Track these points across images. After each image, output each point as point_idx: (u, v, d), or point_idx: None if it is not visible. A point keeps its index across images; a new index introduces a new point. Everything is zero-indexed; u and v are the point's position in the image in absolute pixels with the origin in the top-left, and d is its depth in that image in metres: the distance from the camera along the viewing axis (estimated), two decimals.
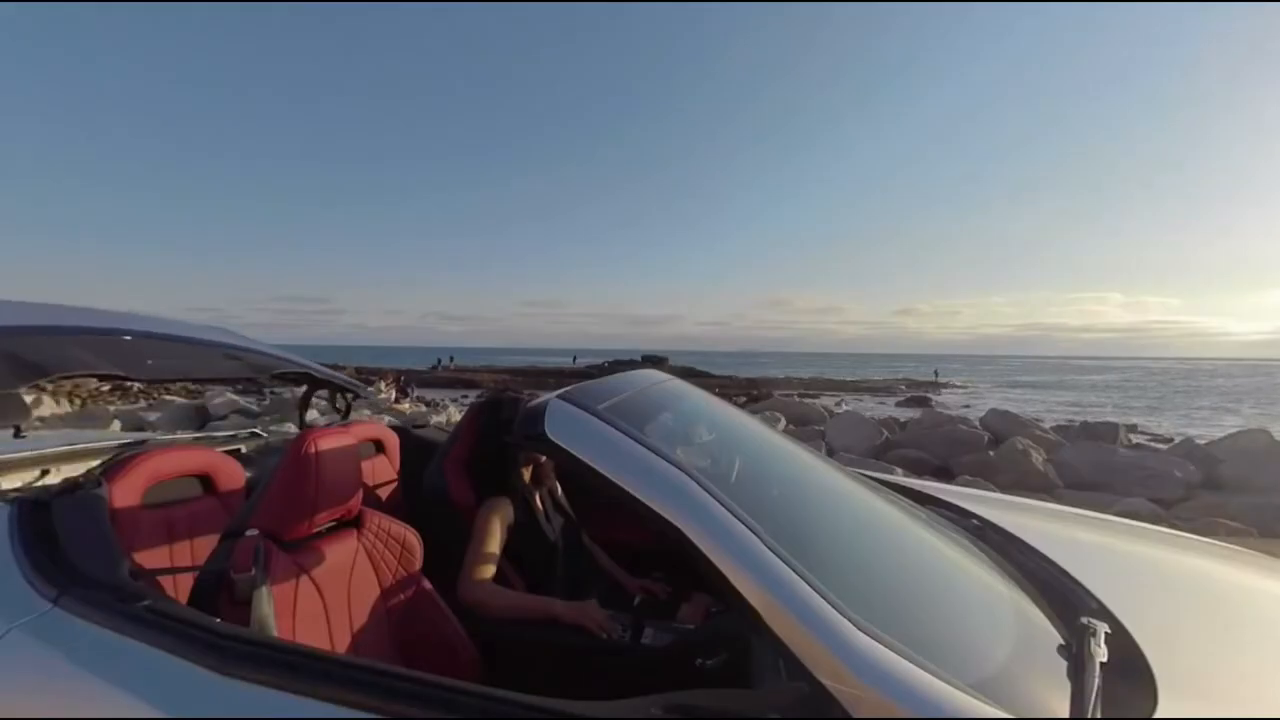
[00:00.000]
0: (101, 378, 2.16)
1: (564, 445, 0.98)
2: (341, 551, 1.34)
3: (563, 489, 2.15)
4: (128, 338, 1.64)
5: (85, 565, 1.08)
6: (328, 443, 1.28)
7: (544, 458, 1.96)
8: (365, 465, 2.16)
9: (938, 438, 10.89)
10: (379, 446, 2.36)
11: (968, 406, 23.90)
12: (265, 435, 2.38)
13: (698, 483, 0.94)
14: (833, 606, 0.83)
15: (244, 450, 2.11)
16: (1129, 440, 13.50)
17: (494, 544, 1.70)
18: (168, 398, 14.73)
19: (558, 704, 0.83)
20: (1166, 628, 1.19)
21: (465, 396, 24.34)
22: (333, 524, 1.37)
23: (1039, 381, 53.67)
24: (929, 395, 30.84)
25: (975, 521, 1.74)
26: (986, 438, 10.96)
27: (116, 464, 1.49)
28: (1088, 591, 1.27)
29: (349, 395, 2.52)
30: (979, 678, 0.84)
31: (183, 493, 1.62)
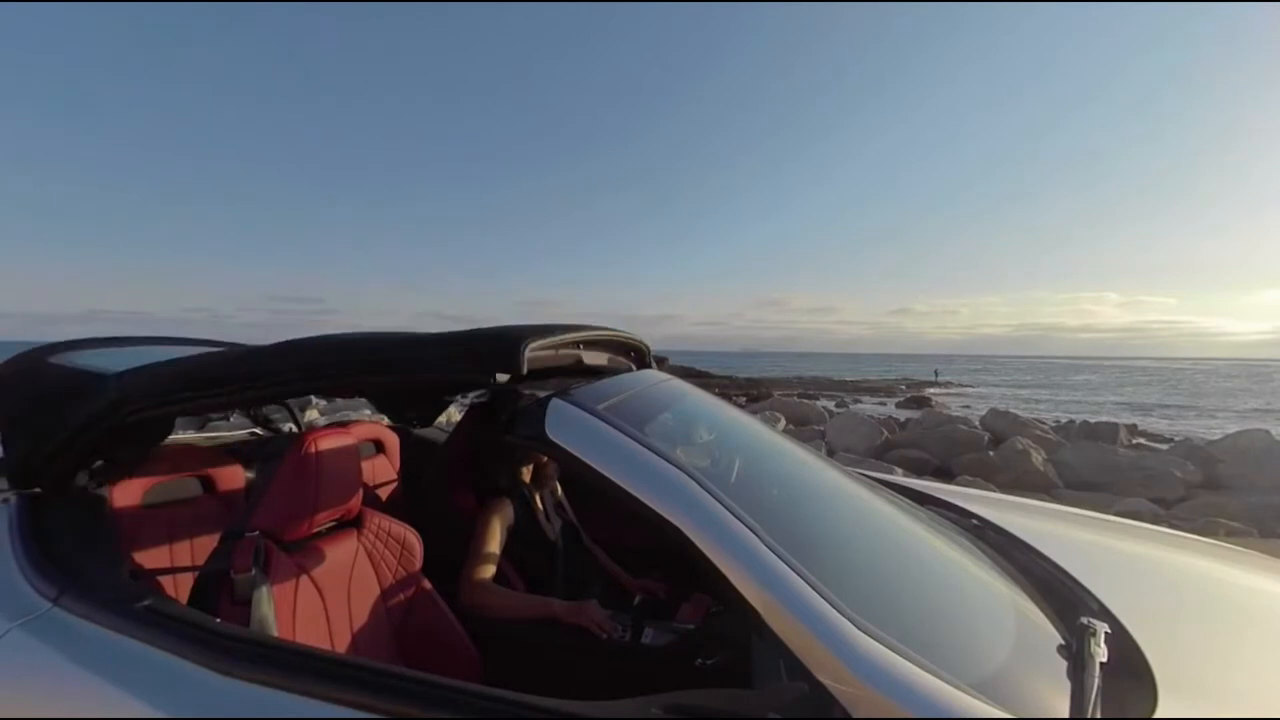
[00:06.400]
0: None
1: (564, 445, 0.98)
2: (341, 551, 1.34)
3: (563, 489, 2.15)
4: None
5: (85, 565, 1.08)
6: (328, 443, 1.28)
7: (544, 458, 1.96)
8: (365, 465, 2.16)
9: (938, 438, 10.89)
10: (379, 446, 2.36)
11: (968, 406, 23.90)
12: (265, 435, 2.38)
13: (698, 482, 0.94)
14: (833, 606, 0.83)
15: (244, 450, 2.11)
16: (1129, 440, 13.50)
17: (494, 544, 1.70)
18: None
19: (558, 704, 0.83)
20: (1166, 628, 1.19)
21: (465, 397, 24.29)
22: (333, 524, 1.37)
23: (1038, 381, 53.69)
24: (929, 395, 30.80)
25: (975, 521, 1.74)
26: (986, 438, 10.96)
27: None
28: (1088, 591, 1.27)
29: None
30: (979, 678, 0.84)
31: (183, 493, 1.62)
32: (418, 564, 1.49)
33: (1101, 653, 0.82)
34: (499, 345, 1.08)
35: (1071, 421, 15.94)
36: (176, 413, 1.25)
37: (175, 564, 1.51)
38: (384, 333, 1.29)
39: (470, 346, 1.10)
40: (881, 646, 0.80)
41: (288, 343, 1.22)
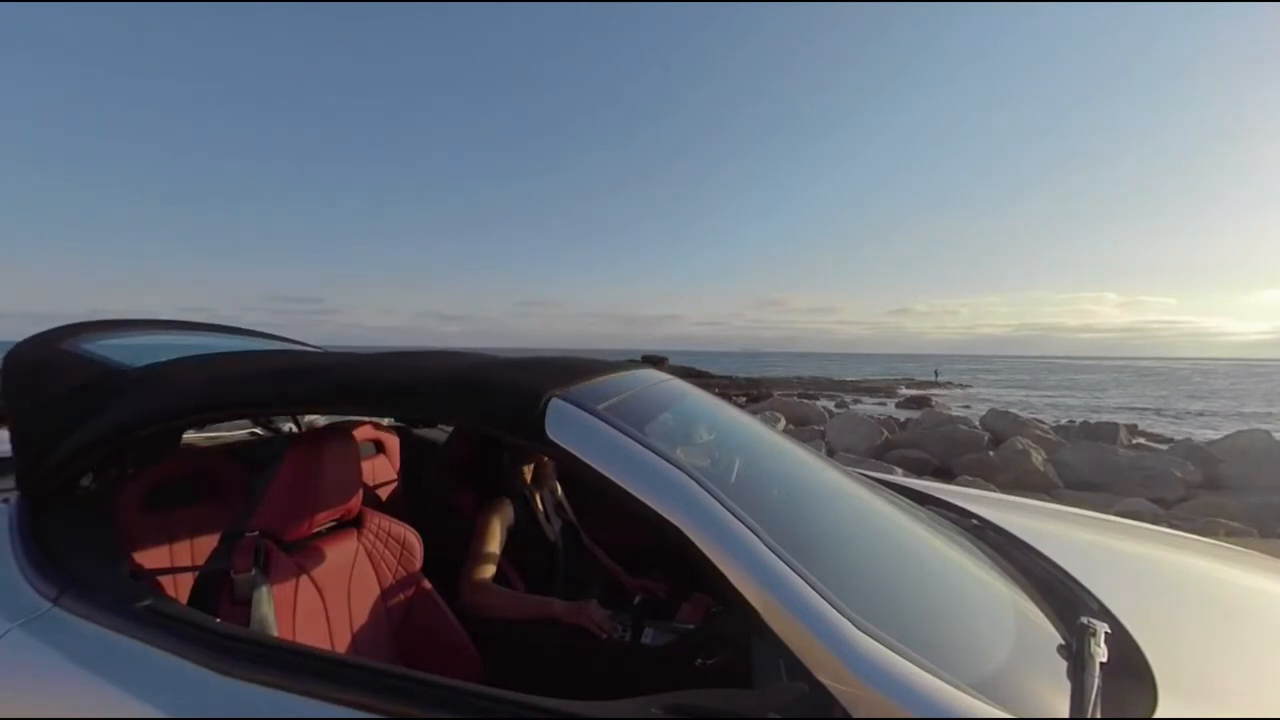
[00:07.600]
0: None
1: (564, 445, 0.98)
2: (342, 551, 1.34)
3: (563, 489, 2.15)
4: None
5: (85, 565, 1.08)
6: (328, 443, 1.28)
7: (545, 458, 1.96)
8: (365, 465, 2.16)
9: (938, 438, 10.90)
10: (379, 446, 2.36)
11: (968, 406, 23.90)
12: (265, 435, 2.38)
13: (698, 483, 0.94)
14: (833, 606, 0.83)
15: (244, 450, 2.11)
16: (1129, 440, 13.50)
17: (494, 544, 1.70)
18: None
19: (558, 704, 0.83)
20: (1166, 628, 1.19)
21: None
22: (333, 524, 1.37)
23: (1038, 381, 53.71)
24: (929, 395, 30.78)
25: (975, 521, 1.74)
26: (986, 438, 10.97)
27: None
28: (1088, 591, 1.27)
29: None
30: (979, 678, 0.84)
31: (183, 493, 1.62)
32: (418, 564, 1.49)
33: (1101, 653, 0.82)
34: (515, 399, 1.02)
35: (1071, 422, 15.95)
36: (198, 423, 1.23)
37: (175, 564, 1.51)
38: (403, 356, 1.26)
39: (483, 394, 1.05)
40: (881, 646, 0.80)
41: (313, 365, 1.19)
